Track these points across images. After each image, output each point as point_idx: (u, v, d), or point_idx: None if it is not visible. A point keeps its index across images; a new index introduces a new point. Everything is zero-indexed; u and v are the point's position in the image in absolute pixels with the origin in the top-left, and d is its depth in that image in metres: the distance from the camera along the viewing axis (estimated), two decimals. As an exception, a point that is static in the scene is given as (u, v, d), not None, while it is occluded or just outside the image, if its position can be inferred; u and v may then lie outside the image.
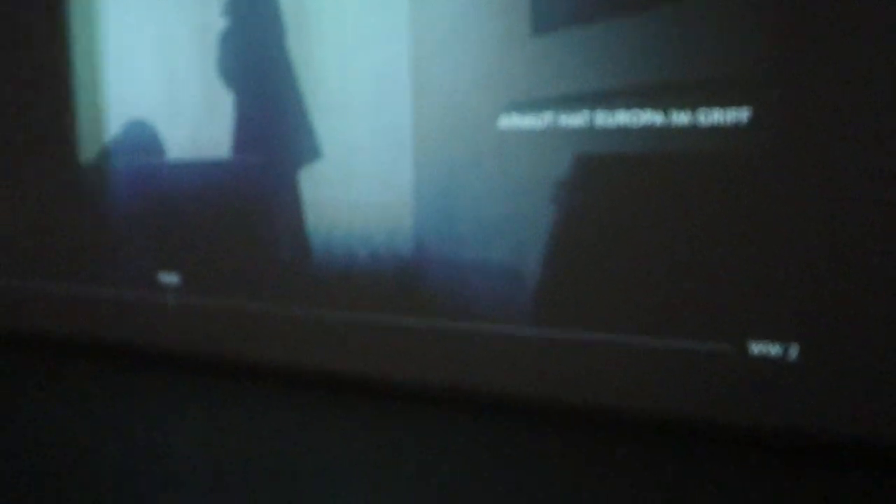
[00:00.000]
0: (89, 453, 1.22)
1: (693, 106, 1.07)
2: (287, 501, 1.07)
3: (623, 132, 1.11)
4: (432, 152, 1.24)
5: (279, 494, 1.08)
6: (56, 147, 1.57)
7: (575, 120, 1.14)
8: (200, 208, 1.45)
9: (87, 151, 1.55)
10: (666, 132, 1.09)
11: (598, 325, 1.19)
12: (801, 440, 1.12)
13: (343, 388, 1.39)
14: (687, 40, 1.05)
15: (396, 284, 1.31)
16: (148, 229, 1.51)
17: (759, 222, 1.07)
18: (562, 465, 1.16)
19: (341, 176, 1.31)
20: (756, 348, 1.11)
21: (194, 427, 1.34)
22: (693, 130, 1.07)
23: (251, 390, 1.46)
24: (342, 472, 1.15)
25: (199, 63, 1.40)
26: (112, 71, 1.49)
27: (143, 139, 1.48)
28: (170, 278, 1.51)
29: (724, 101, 1.05)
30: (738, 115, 1.05)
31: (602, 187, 1.15)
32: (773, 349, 1.10)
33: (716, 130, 1.06)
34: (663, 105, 1.08)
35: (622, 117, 1.11)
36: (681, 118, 1.08)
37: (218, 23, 1.37)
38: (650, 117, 1.10)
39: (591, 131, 1.13)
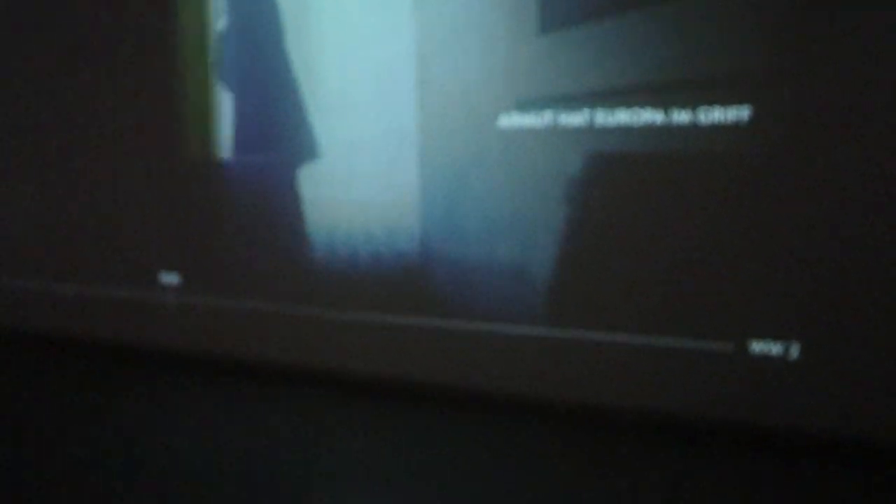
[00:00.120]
0: (89, 453, 1.22)
1: (693, 104, 1.07)
2: (288, 502, 1.07)
3: (626, 131, 1.11)
4: (438, 151, 1.24)
5: (280, 495, 1.08)
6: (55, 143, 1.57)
7: (579, 118, 1.14)
8: (201, 208, 1.45)
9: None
10: (665, 131, 1.09)
11: (599, 325, 1.19)
12: (802, 439, 1.12)
13: (345, 388, 1.39)
14: (688, 38, 1.05)
15: (400, 284, 1.31)
16: (148, 229, 1.51)
17: (760, 221, 1.07)
18: (562, 463, 1.16)
19: (345, 175, 1.31)
20: (757, 347, 1.11)
21: (195, 428, 1.34)
22: (693, 129, 1.07)
23: (252, 391, 1.45)
24: (343, 474, 1.15)
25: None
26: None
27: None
28: (170, 278, 1.51)
29: (725, 100, 1.05)
30: (738, 113, 1.05)
31: (602, 187, 1.15)
32: (774, 348, 1.10)
33: (716, 129, 1.06)
34: (667, 103, 1.08)
35: (632, 116, 1.10)
36: (681, 117, 1.08)
37: (220, 21, 1.37)
38: (650, 116, 1.09)
39: (594, 130, 1.13)
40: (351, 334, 1.37)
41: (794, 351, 1.09)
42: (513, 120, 1.17)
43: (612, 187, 1.14)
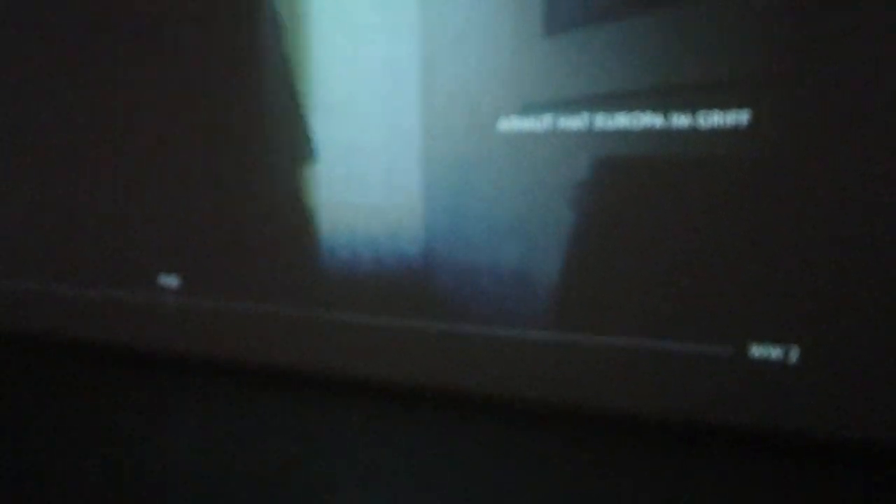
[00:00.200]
0: (89, 454, 1.22)
1: (693, 108, 1.07)
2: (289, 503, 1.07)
3: (625, 135, 1.11)
4: (441, 153, 1.23)
5: (282, 497, 1.08)
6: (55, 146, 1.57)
7: (578, 122, 1.14)
8: (202, 209, 1.45)
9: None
10: (665, 135, 1.09)
11: (599, 328, 1.19)
12: (802, 442, 1.12)
13: (347, 391, 1.39)
14: (688, 42, 1.05)
15: (402, 287, 1.31)
16: (148, 230, 1.51)
17: (759, 225, 1.07)
18: (563, 466, 1.16)
19: (348, 177, 1.31)
20: (756, 351, 1.11)
21: (195, 430, 1.34)
22: (693, 133, 1.07)
23: (252, 393, 1.45)
24: (346, 477, 1.15)
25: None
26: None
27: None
28: (170, 280, 1.50)
29: (724, 104, 1.05)
30: (738, 117, 1.05)
31: (602, 191, 1.15)
32: (774, 352, 1.10)
33: (716, 132, 1.06)
34: (666, 107, 1.08)
35: (632, 120, 1.10)
36: (681, 120, 1.08)
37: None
38: (650, 119, 1.09)
39: (594, 134, 1.13)
40: (353, 337, 1.36)
41: (794, 355, 1.09)
42: (516, 123, 1.17)
43: (612, 191, 1.14)
